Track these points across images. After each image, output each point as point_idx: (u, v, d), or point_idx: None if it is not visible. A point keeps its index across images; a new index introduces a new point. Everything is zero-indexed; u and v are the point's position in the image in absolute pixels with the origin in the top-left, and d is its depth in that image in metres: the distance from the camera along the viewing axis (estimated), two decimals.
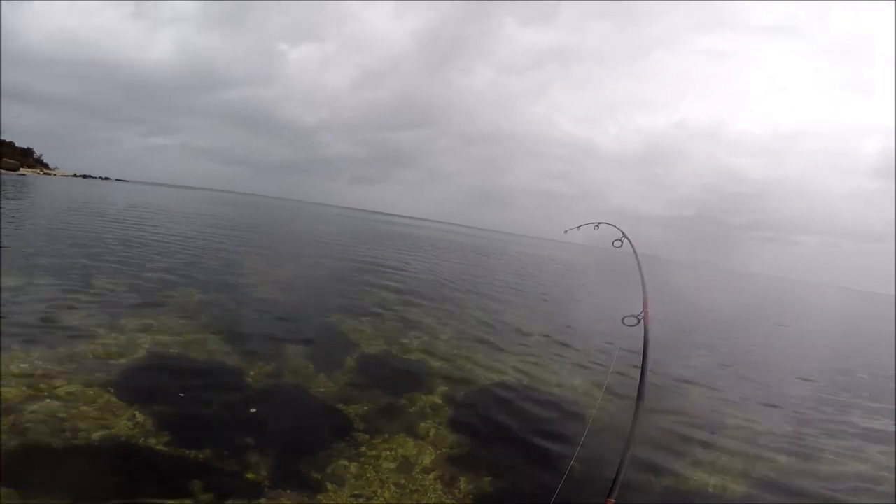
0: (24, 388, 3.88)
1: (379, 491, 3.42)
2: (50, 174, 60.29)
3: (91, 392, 4.01)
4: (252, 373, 5.08)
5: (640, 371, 2.17)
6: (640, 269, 3.56)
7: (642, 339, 2.46)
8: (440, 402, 5.23)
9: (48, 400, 3.77)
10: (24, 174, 49.95)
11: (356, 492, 3.35)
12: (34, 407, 3.64)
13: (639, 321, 2.61)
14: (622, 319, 2.65)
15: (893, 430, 6.75)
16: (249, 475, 3.31)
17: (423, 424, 4.60)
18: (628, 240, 4.37)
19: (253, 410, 4.27)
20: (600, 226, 5.13)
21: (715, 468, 4.63)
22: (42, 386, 3.98)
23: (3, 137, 54.35)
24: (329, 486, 3.35)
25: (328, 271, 13.43)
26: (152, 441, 3.48)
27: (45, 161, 64.09)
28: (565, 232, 5.79)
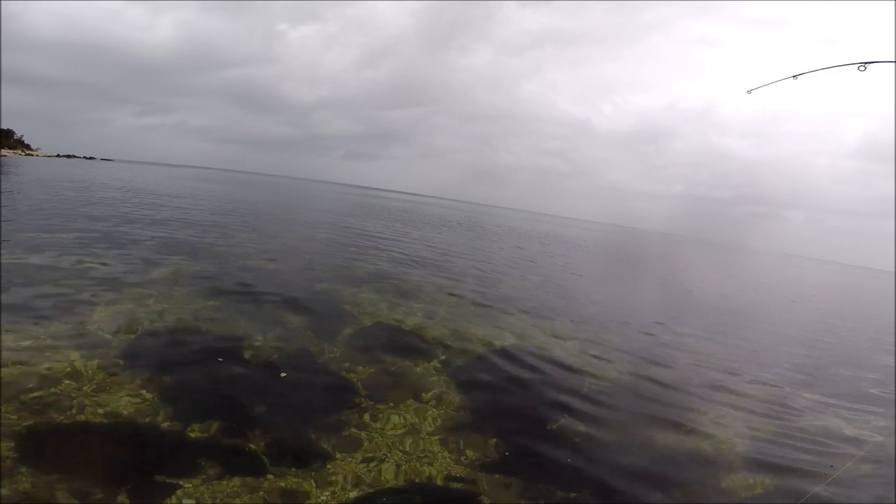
0: (28, 365, 3.86)
1: (387, 456, 3.50)
2: (32, 154, 58.86)
3: (95, 367, 4.01)
4: (255, 344, 5.10)
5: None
6: None
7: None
8: (440, 368, 5.31)
9: (52, 377, 3.75)
10: (5, 155, 48.79)
11: (363, 461, 3.42)
12: (39, 383, 3.61)
13: None
14: None
15: None
16: (254, 447, 3.35)
17: (425, 391, 4.68)
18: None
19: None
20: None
21: None
22: (45, 362, 3.95)
23: None
24: (334, 457, 3.41)
25: (322, 244, 13.37)
26: (159, 416, 3.49)
27: (26, 142, 62.46)
28: (749, 92, 4.12)
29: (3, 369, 3.73)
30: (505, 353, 6.13)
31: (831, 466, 4.09)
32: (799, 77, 3.59)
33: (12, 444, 2.90)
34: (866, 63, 3.09)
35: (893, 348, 11.18)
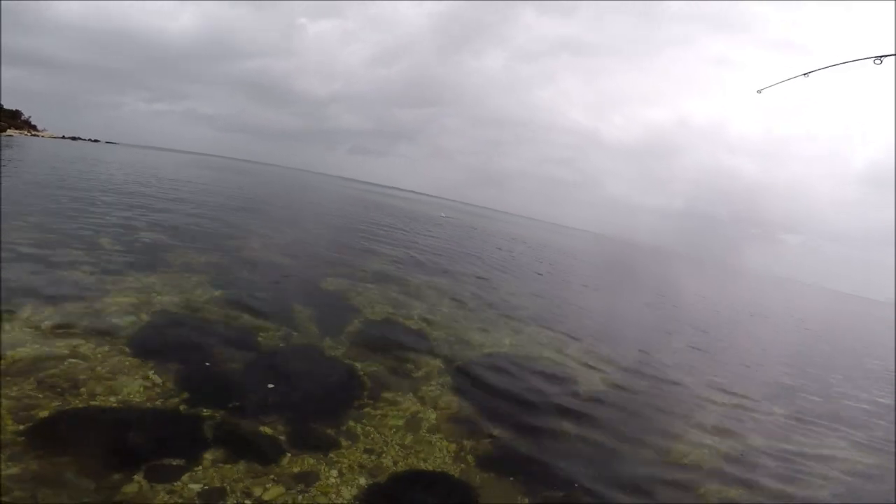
0: (38, 348, 3.92)
1: (386, 450, 3.60)
2: (38, 135, 59.05)
3: (106, 351, 4.10)
4: (261, 335, 5.20)
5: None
6: None
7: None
8: (442, 367, 5.42)
9: (63, 360, 3.82)
10: (10, 135, 48.89)
11: (363, 454, 3.52)
12: (49, 367, 3.68)
13: None
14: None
15: None
16: (260, 434, 3.45)
17: (426, 388, 4.79)
18: None
19: (271, 386, 4.22)
20: None
21: None
22: (57, 346, 4.02)
23: None
24: (337, 448, 3.51)
25: (328, 239, 13.46)
26: (169, 402, 3.58)
27: (32, 122, 62.80)
28: (759, 92, 4.16)
29: (17, 349, 3.82)
30: (504, 357, 6.24)
31: None
32: (810, 74, 3.31)
33: (24, 426, 2.97)
34: (882, 56, 2.84)
35: None
